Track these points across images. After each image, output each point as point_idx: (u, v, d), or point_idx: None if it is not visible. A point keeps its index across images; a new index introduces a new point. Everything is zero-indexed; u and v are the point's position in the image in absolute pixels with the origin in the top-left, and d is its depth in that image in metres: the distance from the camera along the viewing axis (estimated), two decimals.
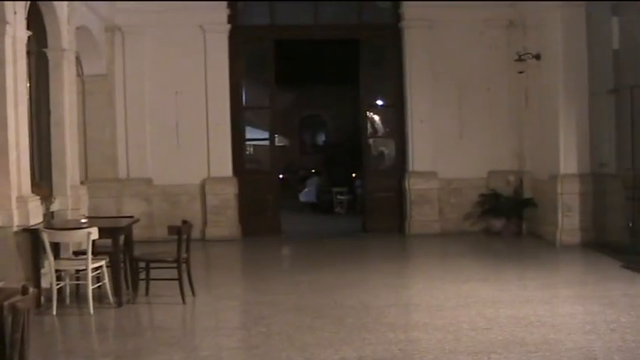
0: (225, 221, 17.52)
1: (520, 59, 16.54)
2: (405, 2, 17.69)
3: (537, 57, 16.33)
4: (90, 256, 9.97)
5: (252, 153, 22.54)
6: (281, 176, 23.29)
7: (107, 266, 10.52)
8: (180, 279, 10.52)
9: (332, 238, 18.54)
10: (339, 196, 25.19)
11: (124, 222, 11.40)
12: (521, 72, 16.82)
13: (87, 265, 9.99)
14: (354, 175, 25.00)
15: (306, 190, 26.55)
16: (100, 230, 10.13)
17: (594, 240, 15.04)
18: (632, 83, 13.54)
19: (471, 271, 12.93)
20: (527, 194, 17.28)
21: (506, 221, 17.14)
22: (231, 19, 17.64)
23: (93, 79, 16.76)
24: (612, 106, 14.69)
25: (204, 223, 17.46)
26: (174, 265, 10.56)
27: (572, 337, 8.30)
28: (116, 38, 17.23)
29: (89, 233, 9.89)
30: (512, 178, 17.65)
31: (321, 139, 36.22)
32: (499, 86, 17.76)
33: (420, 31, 17.73)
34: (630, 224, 13.56)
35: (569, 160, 15.34)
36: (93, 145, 16.76)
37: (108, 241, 10.56)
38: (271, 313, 9.94)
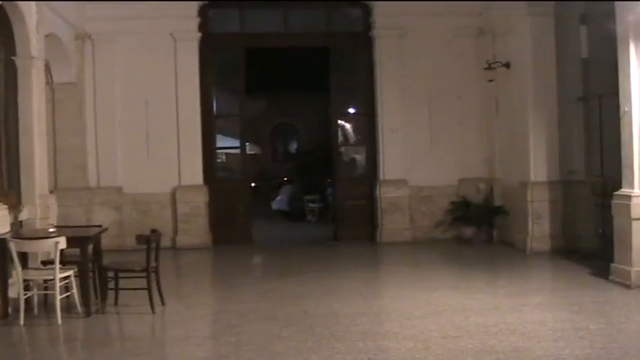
0: (196, 229, 17.42)
1: (490, 68, 16.58)
2: (375, 11, 17.70)
3: (507, 65, 16.36)
4: (58, 265, 9.85)
5: (223, 161, 22.43)
6: (253, 184, 23.21)
7: (75, 276, 10.42)
8: (149, 288, 10.45)
9: (303, 246, 18.45)
10: (310, 204, 25.11)
11: (93, 231, 11.31)
12: (491, 80, 16.87)
13: (55, 275, 9.88)
14: (326, 182, 24.94)
15: (278, 198, 26.47)
16: (69, 239, 10.02)
17: (564, 247, 15.11)
18: (601, 92, 13.63)
19: (442, 279, 12.92)
20: (497, 202, 17.31)
21: (477, 229, 17.17)
22: (201, 27, 17.58)
23: (63, 87, 16.60)
24: (581, 114, 14.83)
25: (175, 231, 17.36)
26: (144, 274, 10.49)
27: (542, 344, 8.31)
28: (86, 46, 17.09)
29: (57, 243, 9.79)
30: (482, 185, 17.69)
31: (293, 147, 36.20)
32: (469, 94, 17.81)
33: (390, 39, 17.74)
34: (599, 231, 13.64)
35: (538, 168, 15.40)
36: (63, 154, 16.60)
37: (77, 251, 10.45)
38: (241, 322, 9.87)
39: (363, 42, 18.12)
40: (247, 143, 19.93)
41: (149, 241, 10.47)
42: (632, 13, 11.15)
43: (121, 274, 10.79)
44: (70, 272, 10.27)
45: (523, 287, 12.01)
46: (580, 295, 10.95)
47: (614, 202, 11.70)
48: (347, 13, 18.61)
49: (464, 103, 17.83)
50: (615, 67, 11.62)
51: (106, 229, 11.82)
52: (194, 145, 17.50)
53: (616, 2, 11.47)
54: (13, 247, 9.80)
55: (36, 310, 10.47)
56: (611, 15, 11.66)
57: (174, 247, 17.03)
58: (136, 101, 17.24)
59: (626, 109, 11.34)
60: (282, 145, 36.41)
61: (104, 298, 10.65)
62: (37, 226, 12.39)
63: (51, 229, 10.74)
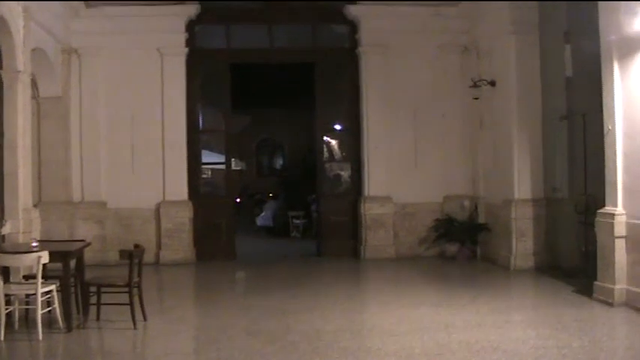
0: (180, 245, 17.36)
1: (475, 85, 16.59)
2: (361, 27, 17.75)
3: (492, 83, 16.39)
4: (40, 280, 9.79)
5: (208, 177, 22.41)
6: (237, 200, 23.12)
7: (57, 290, 10.32)
8: (131, 303, 10.38)
9: (286, 262, 18.42)
10: (295, 220, 25.08)
11: (76, 246, 11.24)
12: (476, 98, 16.94)
13: (37, 290, 9.81)
14: (311, 198, 24.91)
15: (262, 214, 26.44)
16: (51, 254, 9.95)
17: (547, 264, 15.14)
18: (584, 110, 13.67)
19: (425, 296, 12.89)
20: (481, 219, 17.31)
21: (461, 246, 17.18)
22: (188, 42, 17.58)
23: (48, 101, 16.61)
24: (565, 132, 14.87)
25: (159, 246, 17.30)
26: (126, 289, 10.42)
27: None
28: (72, 60, 17.08)
29: (39, 257, 9.72)
30: (467, 202, 17.70)
31: (278, 162, 36.17)
32: (454, 112, 17.84)
33: (376, 56, 17.78)
34: (583, 249, 13.66)
35: (522, 185, 15.43)
36: (47, 167, 16.58)
37: (59, 265, 10.38)
38: (223, 337, 9.83)
39: (348, 58, 18.15)
40: (232, 159, 19.85)
41: (132, 256, 10.42)
42: (615, 32, 11.20)
43: (103, 289, 10.71)
44: (52, 287, 10.18)
45: (506, 304, 12.01)
46: (563, 313, 10.94)
47: (597, 219, 11.71)
48: (333, 29, 18.64)
49: (448, 120, 17.86)
50: (599, 86, 11.65)
51: (89, 244, 11.78)
52: (179, 160, 17.47)
53: (600, 21, 11.52)
54: None
55: (17, 325, 10.34)
56: (594, 33, 11.71)
57: (157, 263, 16.98)
58: (121, 116, 17.22)
59: (610, 127, 11.37)
60: (267, 161, 36.39)
61: (86, 313, 10.58)
62: (20, 240, 12.35)
63: (33, 244, 10.64)
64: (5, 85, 12.86)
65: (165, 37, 17.34)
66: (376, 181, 17.85)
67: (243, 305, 12.52)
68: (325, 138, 19.37)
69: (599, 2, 11.53)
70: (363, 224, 17.82)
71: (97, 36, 17.02)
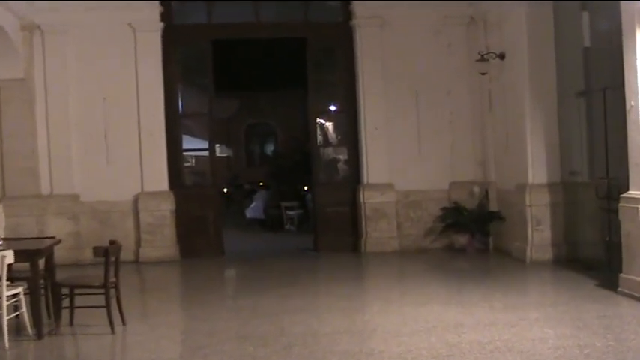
0: (161, 241, 17.34)
1: (482, 59, 16.56)
2: None
3: (501, 57, 16.36)
4: (5, 282, 9.71)
5: (191, 165, 22.36)
6: (225, 190, 23.10)
7: (25, 293, 10.24)
8: (108, 306, 10.33)
9: (280, 258, 18.42)
10: (288, 212, 25.11)
11: (45, 243, 11.17)
12: (483, 73, 16.85)
13: (1, 293, 9.73)
14: (305, 188, 24.90)
15: (252, 205, 26.41)
16: (17, 253, 9.87)
17: (566, 256, 15.11)
18: (605, 84, 13.58)
19: (432, 293, 12.86)
20: (493, 207, 17.31)
21: (471, 237, 17.18)
22: (164, 17, 17.50)
23: (9, 85, 16.54)
24: (583, 109, 14.77)
25: (138, 243, 17.28)
26: (102, 290, 10.36)
27: None
28: (35, 38, 16.98)
29: (3, 257, 9.64)
30: (476, 189, 17.69)
31: (269, 149, 36.19)
32: (460, 89, 17.82)
33: (372, 30, 17.73)
34: (606, 238, 13.59)
35: (537, 169, 15.37)
36: (11, 158, 16.54)
37: (27, 265, 10.31)
38: (210, 342, 9.78)
39: (342, 33, 18.10)
40: (217, 145, 19.84)
41: (108, 253, 10.34)
42: None
43: (76, 291, 10.65)
44: (20, 289, 10.10)
45: (521, 300, 11.99)
46: (584, 309, 10.91)
47: (620, 205, 11.67)
48: (325, 1, 18.57)
49: (454, 98, 17.85)
50: (620, 58, 11.58)
51: (59, 241, 11.70)
52: (158, 147, 17.43)
53: None
54: None
55: None
56: (615, 1, 11.63)
57: (136, 261, 16.98)
58: (92, 99, 17.16)
59: (633, 103, 11.30)
60: (257, 148, 36.40)
61: (58, 317, 10.51)
62: None
63: None
64: None
65: (138, 11, 17.25)
66: (376, 167, 17.84)
67: (233, 306, 12.56)
68: (319, 121, 19.36)
69: None
70: (362, 215, 17.82)
71: (62, 11, 16.91)
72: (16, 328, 10.20)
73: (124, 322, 10.63)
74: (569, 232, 15.27)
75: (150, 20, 17.32)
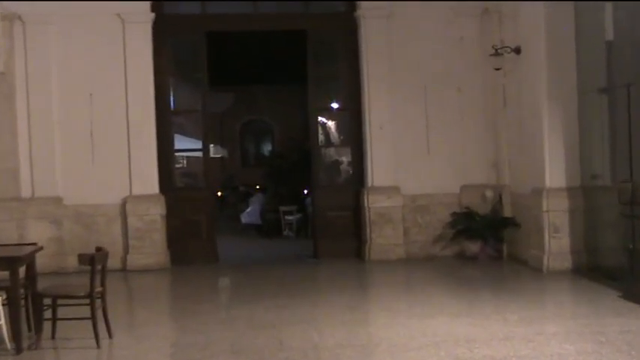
0: (151, 247, 17.30)
1: (496, 54, 16.54)
2: None
3: (517, 51, 16.33)
4: None
5: (183, 166, 22.34)
6: (219, 193, 23.08)
7: (4, 304, 10.20)
8: (93, 318, 10.26)
9: (277, 265, 18.43)
10: (287, 217, 25.13)
11: (26, 250, 11.11)
12: (497, 68, 16.87)
13: None
14: (305, 191, 24.90)
15: (248, 209, 26.46)
16: None
17: (587, 265, 15.05)
18: (628, 80, 13.53)
19: (441, 304, 12.86)
20: (507, 212, 17.32)
21: (483, 244, 17.16)
22: (155, 7, 17.49)
23: None
24: (605, 107, 14.71)
25: (126, 249, 17.26)
26: (87, 301, 10.31)
27: None
28: (16, 29, 16.96)
29: None
30: (489, 193, 17.66)
31: (266, 148, 36.20)
32: (472, 85, 17.81)
33: (377, 21, 17.72)
34: (629, 246, 13.54)
35: (555, 172, 15.31)
36: None
37: (6, 274, 10.27)
38: (203, 356, 9.77)
39: (346, 24, 18.11)
40: (212, 145, 19.81)
41: (94, 261, 10.29)
42: None
43: (59, 302, 10.58)
44: None
45: (538, 313, 11.97)
46: (607, 323, 10.87)
47: None
48: None
49: (466, 95, 17.83)
50: None
51: (41, 248, 11.64)
52: (148, 146, 17.41)
53: None
54: None
55: None
56: None
57: (124, 269, 16.96)
58: (77, 95, 17.14)
59: None
60: (253, 147, 36.41)
61: (39, 330, 10.44)
62: None
63: None
64: None
65: (127, 0, 17.21)
66: (381, 168, 17.82)
67: (227, 317, 12.53)
68: (320, 119, 19.36)
69: None
70: (366, 220, 17.79)
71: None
72: None
73: (110, 335, 10.59)
74: (589, 239, 15.20)
75: (140, 10, 17.29)
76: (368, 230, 17.77)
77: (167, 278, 16.78)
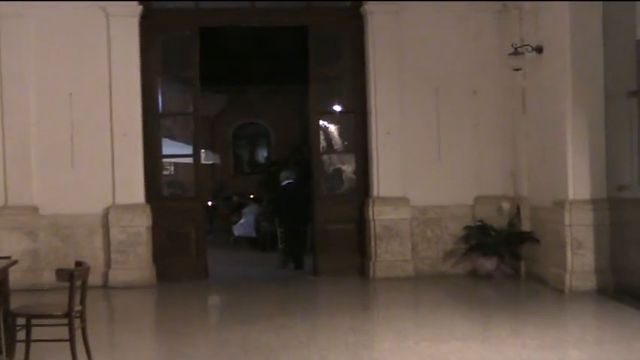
0: (135, 262, 17.25)
1: (516, 53, 16.49)
2: None
3: (538, 50, 16.30)
4: None
5: (171, 173, 22.30)
6: (210, 203, 23.02)
7: None
8: (72, 339, 10.15)
9: (273, 283, 18.50)
10: None
11: None
12: (517, 69, 16.82)
13: None
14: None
15: (241, 221, 26.48)
16: None
17: (613, 285, 14.97)
18: None
19: (453, 327, 12.81)
20: (525, 226, 17.29)
21: (499, 261, 17.12)
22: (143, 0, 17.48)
23: None
24: (635, 112, 14.64)
25: (107, 264, 17.22)
26: (65, 320, 10.22)
27: None
28: None
29: None
30: (505, 205, 17.65)
31: (261, 154, 36.24)
32: (488, 87, 17.83)
33: (386, 17, 17.71)
34: None
35: (579, 182, 15.24)
36: None
37: None
38: None
39: (351, 20, 18.13)
40: (203, 150, 19.77)
41: (74, 277, 10.21)
42: None
43: (34, 322, 10.50)
44: None
45: (560, 338, 11.92)
46: (635, 349, 10.87)
47: None
48: None
49: (481, 98, 17.85)
50: None
51: (15, 262, 11.57)
52: (133, 152, 17.38)
53: None
54: None
55: None
56: None
57: (105, 286, 16.95)
58: (56, 94, 17.13)
59: None
60: (247, 153, 36.46)
61: (11, 352, 10.42)
62: None
63: None
64: None
65: None
66: (388, 177, 17.79)
67: (218, 340, 12.50)
68: (322, 123, 19.32)
69: None
70: (371, 234, 17.76)
71: None
72: None
73: (90, 358, 10.49)
74: (616, 257, 15.12)
75: (126, 4, 17.29)
76: (373, 245, 17.71)
77: (152, 296, 16.79)
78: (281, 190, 21.50)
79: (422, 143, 17.78)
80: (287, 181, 21.22)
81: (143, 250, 17.32)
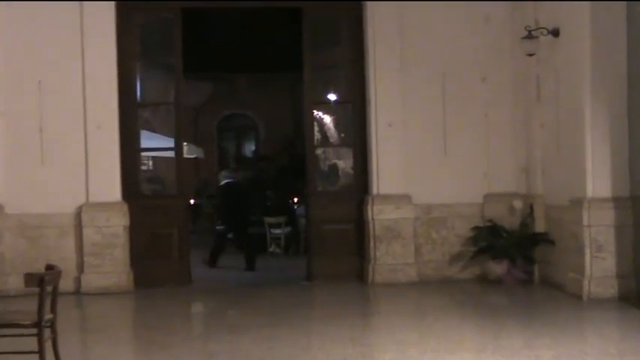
0: (111, 266, 17.26)
1: (530, 36, 16.47)
2: None
3: (554, 33, 16.28)
4: None
5: (150, 168, 22.28)
6: (192, 201, 22.97)
7: None
8: (41, 351, 10.13)
9: (263, 288, 18.58)
10: (274, 230, 25.16)
11: None
12: (531, 54, 16.78)
13: None
14: (295, 199, 24.92)
15: None
16: None
17: (636, 291, 14.97)
18: None
19: (461, 337, 12.85)
20: (539, 227, 17.30)
21: (510, 265, 17.12)
22: None
23: None
24: None
25: (80, 268, 17.23)
26: (34, 330, 10.17)
27: None
28: None
29: None
30: (518, 203, 17.67)
31: (249, 148, 36.30)
32: (499, 75, 17.85)
33: None
34: None
35: (599, 179, 15.24)
36: None
37: None
38: None
39: (349, 2, 18.12)
40: (185, 144, 19.76)
41: (44, 282, 10.16)
42: None
43: (0, 332, 10.46)
44: None
45: (578, 348, 11.88)
46: None
47: None
48: None
49: (492, 86, 17.88)
50: None
51: None
52: (108, 144, 17.39)
53: None
54: None
55: None
56: None
57: (77, 292, 16.98)
58: (23, 83, 17.20)
59: None
60: (234, 146, 36.51)
61: None
62: None
63: None
64: None
65: None
66: (389, 173, 17.83)
67: (203, 351, 12.50)
68: (317, 114, 19.33)
69: None
70: (370, 234, 17.79)
71: None
72: None
73: None
74: (639, 260, 15.13)
75: None
76: (372, 247, 17.74)
77: (130, 303, 16.86)
78: (218, 190, 21.73)
79: (426, 136, 17.81)
80: (226, 181, 21.40)
81: (120, 253, 17.31)
